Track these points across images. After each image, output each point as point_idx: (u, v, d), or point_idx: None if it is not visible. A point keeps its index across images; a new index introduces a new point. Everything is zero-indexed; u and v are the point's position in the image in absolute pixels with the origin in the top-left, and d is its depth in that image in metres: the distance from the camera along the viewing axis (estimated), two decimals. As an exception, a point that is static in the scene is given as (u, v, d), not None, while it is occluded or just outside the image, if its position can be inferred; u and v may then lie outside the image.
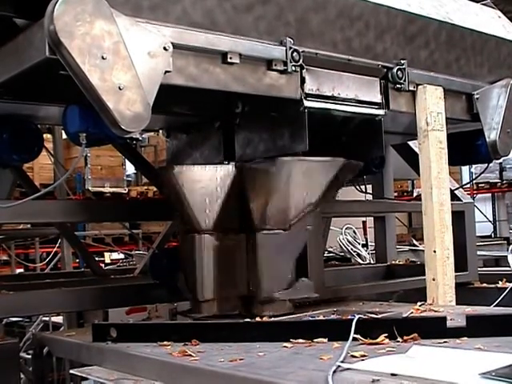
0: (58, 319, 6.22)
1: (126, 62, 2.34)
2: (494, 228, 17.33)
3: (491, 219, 17.51)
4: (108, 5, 2.34)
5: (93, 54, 2.27)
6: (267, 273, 3.17)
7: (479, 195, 16.85)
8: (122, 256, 11.26)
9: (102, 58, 2.29)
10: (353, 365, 2.06)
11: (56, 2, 2.22)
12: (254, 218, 3.21)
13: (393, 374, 1.91)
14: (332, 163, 3.24)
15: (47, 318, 6.50)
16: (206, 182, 3.18)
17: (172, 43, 2.49)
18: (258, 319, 3.05)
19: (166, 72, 2.48)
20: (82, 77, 2.25)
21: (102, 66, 2.29)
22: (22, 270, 10.56)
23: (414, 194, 13.90)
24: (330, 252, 6.30)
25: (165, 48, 2.47)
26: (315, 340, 2.49)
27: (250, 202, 3.22)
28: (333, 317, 3.12)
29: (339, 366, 2.03)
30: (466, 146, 4.08)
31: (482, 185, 16.34)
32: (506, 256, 7.01)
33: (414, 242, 7.27)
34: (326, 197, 3.33)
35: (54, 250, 9.26)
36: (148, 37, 2.44)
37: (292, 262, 3.23)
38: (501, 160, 10.22)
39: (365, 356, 2.18)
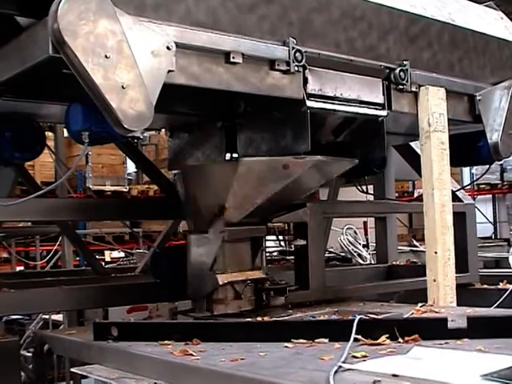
0: (58, 317, 6.23)
1: (130, 60, 2.35)
2: (495, 229, 17.33)
3: (492, 220, 17.50)
4: (112, 4, 2.34)
5: (96, 53, 2.27)
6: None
7: (480, 196, 16.84)
8: (122, 254, 11.25)
9: (106, 56, 2.29)
10: (354, 365, 2.06)
11: (60, 1, 2.22)
12: None
13: (394, 375, 1.91)
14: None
15: (47, 316, 6.51)
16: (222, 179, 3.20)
17: (175, 42, 2.50)
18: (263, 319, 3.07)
19: (169, 71, 2.48)
20: (86, 75, 2.26)
21: (106, 64, 2.29)
22: (22, 268, 10.56)
23: (415, 195, 13.89)
24: (330, 252, 6.30)
25: (168, 47, 2.47)
26: (316, 340, 2.49)
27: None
28: (334, 317, 3.12)
29: (340, 367, 2.03)
30: (467, 147, 4.07)
31: (483, 186, 16.31)
32: (507, 257, 7.01)
33: (415, 242, 7.26)
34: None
35: (55, 247, 9.26)
36: (151, 36, 2.44)
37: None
38: (502, 161, 10.20)
39: (366, 356, 2.18)
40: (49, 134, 7.25)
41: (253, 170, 3.12)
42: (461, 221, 4.52)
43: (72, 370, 2.87)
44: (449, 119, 3.57)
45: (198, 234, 3.25)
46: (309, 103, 3.00)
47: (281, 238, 8.83)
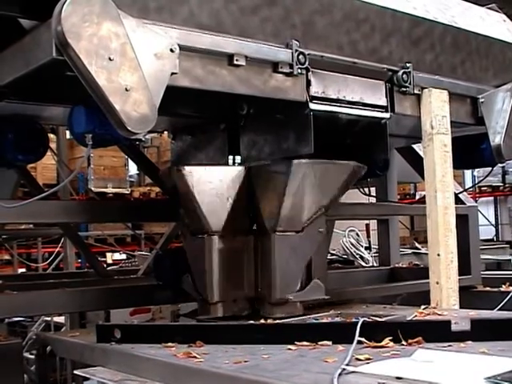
0: (60, 319, 6.23)
1: (133, 63, 2.35)
2: (497, 231, 17.33)
3: (493, 223, 17.50)
4: (115, 6, 2.34)
5: (100, 55, 2.27)
6: (280, 275, 3.14)
7: (481, 199, 16.84)
8: (123, 256, 11.27)
9: (109, 59, 2.29)
10: (358, 368, 2.06)
11: (64, 3, 2.22)
12: (265, 219, 3.19)
13: (398, 378, 1.91)
14: (345, 166, 3.24)
15: (49, 318, 6.51)
16: (216, 182, 3.18)
17: (178, 45, 2.50)
18: (267, 321, 3.05)
19: (173, 73, 2.48)
20: (89, 78, 2.26)
21: (109, 67, 2.29)
22: (24, 270, 10.57)
23: (417, 197, 13.90)
24: (332, 254, 6.29)
25: (171, 49, 2.47)
26: (320, 343, 2.49)
27: (260, 203, 3.21)
28: (337, 319, 3.11)
29: (344, 369, 2.03)
30: (470, 149, 4.07)
31: (485, 188, 16.34)
32: (509, 260, 7.01)
33: (417, 244, 7.26)
34: (337, 200, 3.34)
35: (57, 249, 9.27)
36: (155, 38, 2.44)
37: (304, 264, 3.23)
38: (504, 163, 10.20)
39: (370, 359, 2.18)
40: (51, 136, 7.26)
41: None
42: (463, 223, 4.52)
43: (75, 372, 2.86)
44: (451, 121, 3.57)
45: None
46: (312, 106, 3.00)
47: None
